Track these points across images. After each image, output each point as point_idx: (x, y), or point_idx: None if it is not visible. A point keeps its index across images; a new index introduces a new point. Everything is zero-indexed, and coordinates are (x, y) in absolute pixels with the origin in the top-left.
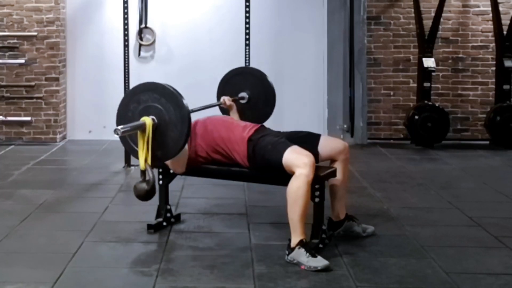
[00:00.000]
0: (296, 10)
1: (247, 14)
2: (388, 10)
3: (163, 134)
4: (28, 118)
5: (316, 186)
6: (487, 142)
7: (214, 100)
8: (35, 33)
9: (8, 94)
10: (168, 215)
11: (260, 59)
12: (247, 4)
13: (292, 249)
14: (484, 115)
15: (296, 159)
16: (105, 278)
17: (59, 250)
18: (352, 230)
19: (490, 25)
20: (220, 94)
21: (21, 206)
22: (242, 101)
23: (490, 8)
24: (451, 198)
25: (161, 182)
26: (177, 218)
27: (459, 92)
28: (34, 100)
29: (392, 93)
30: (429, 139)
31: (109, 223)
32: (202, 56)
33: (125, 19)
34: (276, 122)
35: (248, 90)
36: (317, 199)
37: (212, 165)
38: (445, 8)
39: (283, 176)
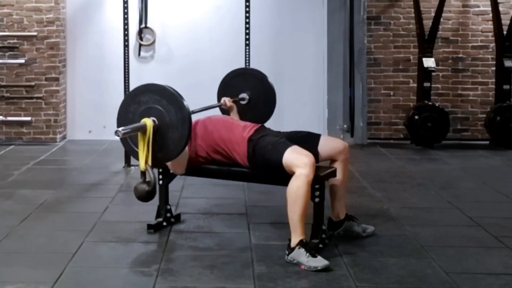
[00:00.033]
0: (296, 10)
1: (247, 14)
2: (388, 10)
3: (163, 136)
4: (28, 118)
5: (316, 186)
6: (487, 142)
7: (214, 100)
8: (35, 33)
9: (8, 94)
10: (168, 215)
11: (260, 59)
12: (247, 4)
13: (292, 249)
14: (484, 115)
15: (296, 159)
16: (105, 278)
17: (59, 250)
18: (352, 230)
19: (490, 25)
20: (220, 95)
21: (21, 206)
22: (243, 102)
23: (490, 8)
24: (451, 198)
25: (161, 182)
26: (177, 218)
27: (459, 92)
28: (34, 100)
29: (392, 93)
30: (429, 139)
31: (109, 223)
32: (202, 56)
33: (125, 19)
34: (276, 122)
35: (249, 91)
36: (317, 199)
37: (212, 165)
38: (445, 8)
39: (283, 176)
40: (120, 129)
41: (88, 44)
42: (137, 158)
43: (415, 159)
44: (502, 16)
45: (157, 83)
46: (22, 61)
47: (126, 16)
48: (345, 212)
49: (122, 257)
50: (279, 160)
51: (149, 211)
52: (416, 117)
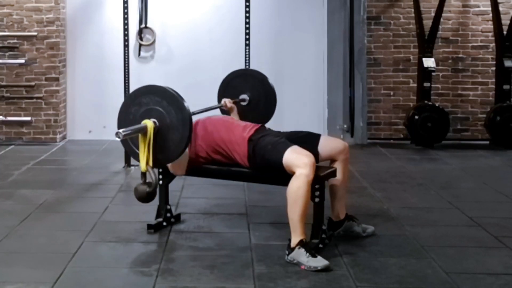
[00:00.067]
0: (296, 10)
1: (247, 14)
2: (388, 10)
3: (164, 137)
4: (28, 118)
5: (316, 186)
6: (487, 142)
7: (214, 100)
8: (35, 33)
9: (8, 94)
10: (168, 215)
11: (260, 59)
12: (247, 4)
13: (292, 249)
14: (484, 115)
15: (297, 159)
16: (105, 278)
17: (59, 250)
18: (352, 230)
19: (490, 25)
20: (221, 96)
21: (21, 206)
22: (243, 103)
23: (490, 8)
24: (451, 198)
25: (161, 182)
26: (177, 218)
27: (459, 92)
28: (34, 100)
29: (392, 93)
30: (429, 139)
31: (109, 223)
32: (202, 56)
33: (125, 19)
34: (276, 122)
35: (249, 92)
36: (317, 199)
37: (212, 165)
38: (445, 8)
39: (283, 176)
40: (120, 130)
41: (88, 44)
42: (138, 159)
43: (415, 159)
44: (502, 16)
45: (157, 84)
46: (22, 61)
47: (126, 16)
48: (345, 212)
49: (122, 257)
50: (279, 160)
51: (149, 211)
52: (416, 117)
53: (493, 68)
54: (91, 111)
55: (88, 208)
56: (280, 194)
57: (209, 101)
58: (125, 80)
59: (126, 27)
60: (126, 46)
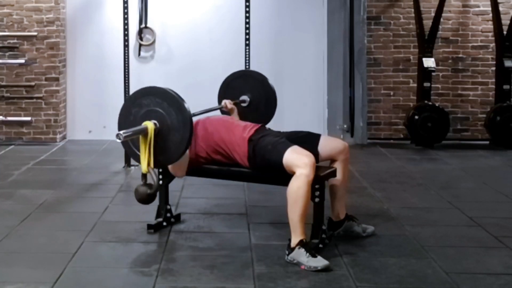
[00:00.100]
0: (296, 10)
1: (247, 14)
2: (388, 10)
3: (165, 139)
4: (28, 118)
5: (316, 186)
6: (487, 142)
7: (214, 100)
8: (35, 33)
9: (8, 94)
10: (168, 215)
11: (260, 59)
12: (247, 4)
13: (292, 249)
14: (484, 115)
15: (297, 159)
16: (105, 278)
17: (59, 250)
18: (352, 230)
19: (490, 25)
20: (221, 97)
21: (21, 206)
22: (243, 104)
23: (490, 8)
24: (451, 198)
25: (161, 182)
26: (177, 218)
27: (459, 92)
28: (34, 100)
29: (392, 93)
30: (429, 139)
31: (109, 223)
32: (202, 56)
33: (125, 19)
34: (276, 122)
35: (249, 93)
36: (317, 199)
37: (212, 165)
38: (445, 8)
39: (283, 176)
40: (121, 132)
41: (88, 44)
42: (138, 161)
43: (415, 159)
44: (502, 16)
45: (158, 86)
46: (22, 61)
47: (126, 16)
48: (345, 212)
49: (122, 257)
50: (279, 160)
51: (149, 211)
52: (416, 117)
53: (493, 68)
54: (91, 111)
55: (88, 208)
56: (280, 194)
57: (209, 101)
58: (125, 80)
59: (126, 27)
60: (126, 46)
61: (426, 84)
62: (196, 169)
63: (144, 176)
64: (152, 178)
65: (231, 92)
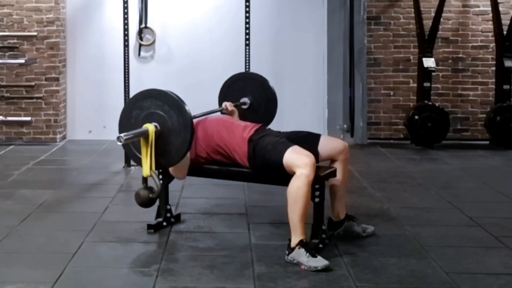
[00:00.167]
0: (296, 10)
1: (247, 14)
2: (388, 10)
3: (166, 141)
4: (28, 118)
5: (316, 186)
6: (487, 142)
7: (214, 100)
8: (35, 33)
9: (8, 94)
10: (168, 215)
11: (260, 59)
12: (247, 4)
13: (292, 249)
14: (484, 115)
15: (297, 159)
16: (105, 278)
17: (59, 250)
18: (352, 230)
19: (490, 25)
20: (221, 99)
21: (21, 206)
22: (244, 107)
23: (490, 8)
24: (451, 198)
25: (161, 182)
26: (177, 218)
27: (459, 92)
28: (34, 100)
29: (392, 93)
30: (429, 139)
31: (109, 223)
32: (202, 56)
33: (125, 19)
34: (276, 122)
35: (250, 95)
36: (317, 199)
37: (212, 165)
38: (445, 8)
39: (283, 176)
40: (122, 135)
41: (88, 44)
42: (139, 164)
43: (415, 159)
44: (502, 16)
45: (159, 88)
46: (22, 61)
47: (126, 16)
48: (345, 212)
49: (122, 257)
50: (279, 160)
51: (149, 211)
52: (416, 117)
53: (493, 68)
54: (91, 111)
55: (88, 208)
56: (280, 194)
57: (209, 101)
58: (125, 80)
59: (126, 27)
60: (126, 46)
61: (426, 84)
62: (196, 169)
63: (144, 179)
64: (155, 182)
65: (232, 94)
